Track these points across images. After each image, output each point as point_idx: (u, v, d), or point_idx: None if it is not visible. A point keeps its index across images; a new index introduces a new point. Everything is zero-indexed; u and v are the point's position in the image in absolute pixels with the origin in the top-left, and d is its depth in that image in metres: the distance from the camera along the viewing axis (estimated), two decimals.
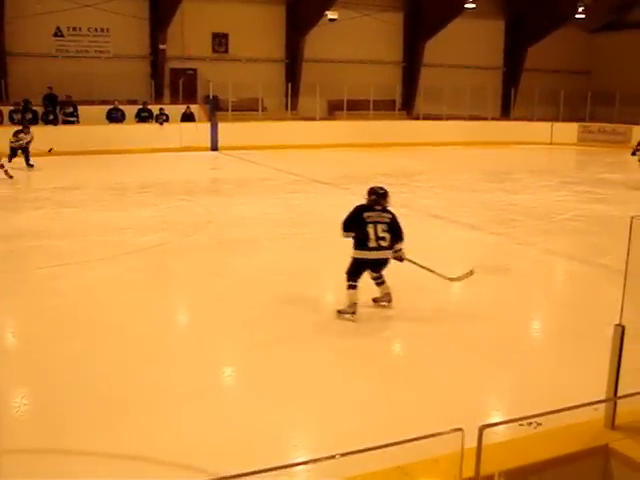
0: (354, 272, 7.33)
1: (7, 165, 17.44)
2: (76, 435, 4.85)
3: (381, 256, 7.33)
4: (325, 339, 6.87)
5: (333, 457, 2.42)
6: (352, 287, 7.29)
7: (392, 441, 2.49)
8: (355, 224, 7.30)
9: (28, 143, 19.16)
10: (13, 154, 18.84)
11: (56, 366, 6.08)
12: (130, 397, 5.46)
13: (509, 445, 3.49)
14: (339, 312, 7.35)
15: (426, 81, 31.43)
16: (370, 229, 7.22)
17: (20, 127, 19.74)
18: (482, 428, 2.56)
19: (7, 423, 5.09)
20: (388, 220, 7.33)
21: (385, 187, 7.56)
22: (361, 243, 7.25)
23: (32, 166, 19.25)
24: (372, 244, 7.22)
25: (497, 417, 5.15)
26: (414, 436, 2.50)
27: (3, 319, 7.64)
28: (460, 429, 2.40)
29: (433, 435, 2.42)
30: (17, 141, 19.00)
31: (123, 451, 4.60)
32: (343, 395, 5.52)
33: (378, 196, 7.41)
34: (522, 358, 6.42)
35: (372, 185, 7.64)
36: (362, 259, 7.30)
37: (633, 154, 18.83)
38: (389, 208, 7.47)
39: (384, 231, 7.25)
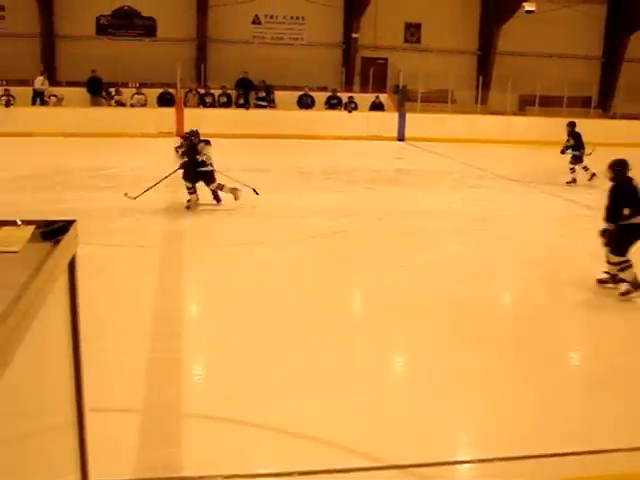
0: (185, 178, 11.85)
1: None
2: (248, 407, 4.93)
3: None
4: (499, 339, 6.61)
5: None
6: (191, 192, 11.88)
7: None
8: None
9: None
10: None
11: (234, 339, 6.23)
12: (301, 376, 5.50)
13: None
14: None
15: (627, 77, 29.79)
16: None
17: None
18: None
19: (188, 389, 5.29)
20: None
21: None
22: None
23: (219, 201, 12.21)
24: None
25: None
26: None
27: (192, 290, 7.96)
28: None
29: None
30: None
31: (292, 428, 4.63)
32: (517, 398, 5.27)
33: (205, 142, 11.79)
34: None
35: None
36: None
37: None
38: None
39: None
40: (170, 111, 23.88)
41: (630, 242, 7.64)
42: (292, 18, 28.97)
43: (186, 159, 11.79)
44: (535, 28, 29.02)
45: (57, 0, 27.19)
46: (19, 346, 1.39)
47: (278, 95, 25.89)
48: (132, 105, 24.50)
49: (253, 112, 24.79)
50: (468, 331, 6.73)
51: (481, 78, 28.43)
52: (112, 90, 24.95)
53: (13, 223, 1.87)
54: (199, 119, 22.85)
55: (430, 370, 5.81)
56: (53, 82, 25.55)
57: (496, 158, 21.81)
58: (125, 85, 25.10)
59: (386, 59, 29.62)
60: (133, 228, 10.67)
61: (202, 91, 25.59)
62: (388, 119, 25.49)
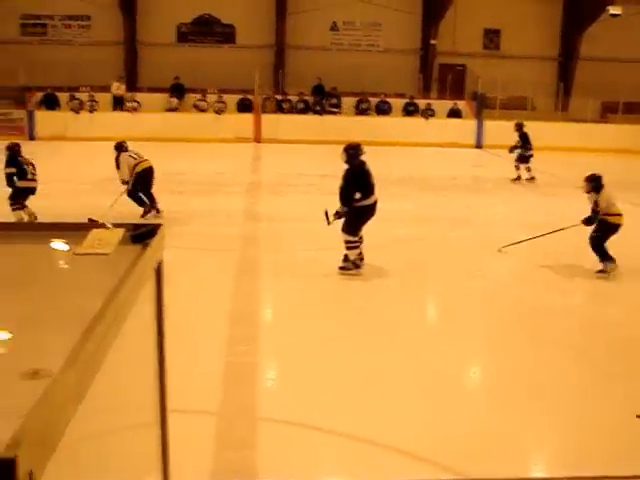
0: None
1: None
2: (321, 412, 4.97)
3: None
4: (580, 350, 6.45)
5: None
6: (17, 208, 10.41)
7: None
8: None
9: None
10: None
11: (308, 344, 6.26)
12: (375, 383, 5.50)
13: None
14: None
15: None
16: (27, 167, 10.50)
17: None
18: None
19: (262, 392, 5.36)
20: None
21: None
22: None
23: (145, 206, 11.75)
24: (30, 176, 10.47)
25: None
26: None
27: (268, 294, 8.02)
28: None
29: None
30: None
31: (365, 435, 4.62)
32: (599, 413, 5.13)
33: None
34: None
35: None
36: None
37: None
38: None
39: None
40: (248, 117, 24.15)
41: (361, 222, 8.24)
42: (369, 24, 28.97)
43: (13, 171, 10.46)
44: (620, 32, 28.17)
45: (140, 9, 27.83)
46: (109, 348, 1.41)
47: (352, 101, 26.01)
48: (215, 112, 24.83)
49: (329, 118, 24.86)
50: (547, 341, 6.61)
51: (562, 84, 27.86)
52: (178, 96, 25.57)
53: (104, 226, 1.91)
54: (276, 125, 23.19)
55: (506, 380, 5.72)
56: (134, 88, 26.14)
57: (574, 166, 21.25)
58: (205, 91, 25.51)
59: (464, 65, 29.31)
60: (209, 232, 10.81)
61: (279, 97, 25.82)
62: (466, 126, 25.21)
